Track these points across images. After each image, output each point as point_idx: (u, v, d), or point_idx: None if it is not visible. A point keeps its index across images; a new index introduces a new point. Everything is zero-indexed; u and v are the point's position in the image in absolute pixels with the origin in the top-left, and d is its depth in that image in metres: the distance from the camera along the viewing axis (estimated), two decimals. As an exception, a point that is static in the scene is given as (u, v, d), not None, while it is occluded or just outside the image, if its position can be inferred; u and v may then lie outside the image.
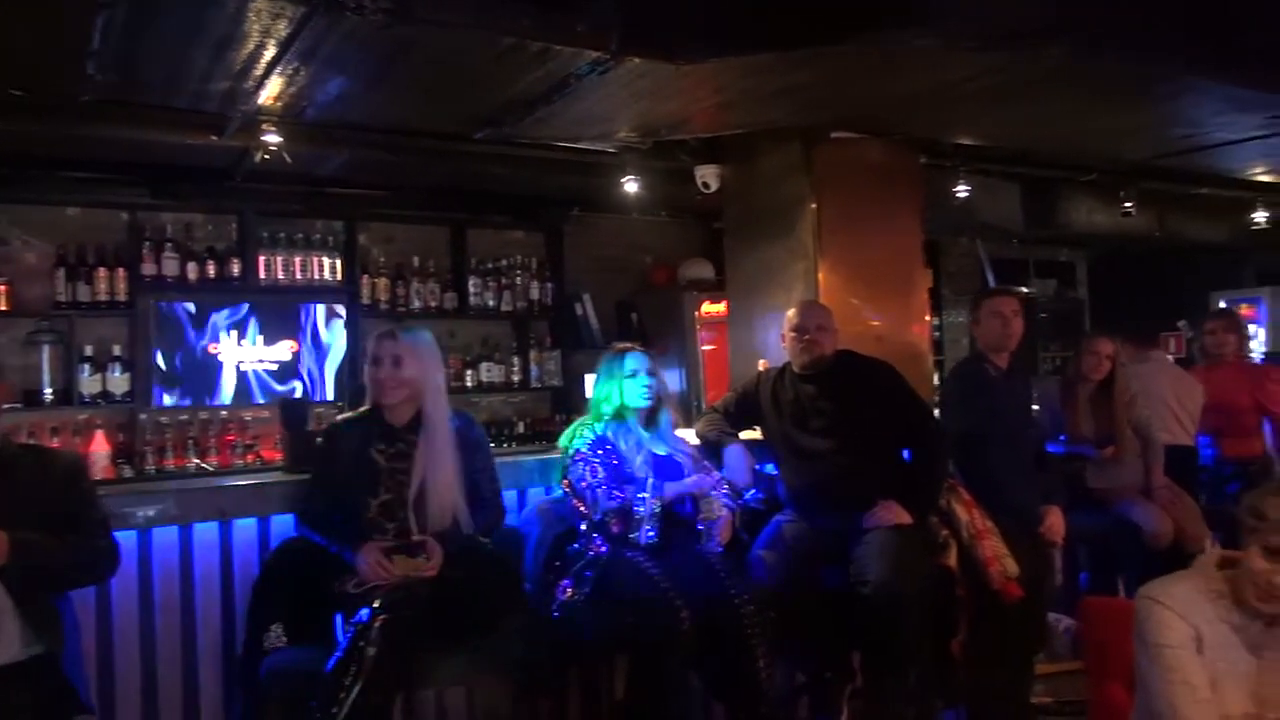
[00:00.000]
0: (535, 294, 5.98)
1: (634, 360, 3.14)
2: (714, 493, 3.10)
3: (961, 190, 5.18)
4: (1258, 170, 5.64)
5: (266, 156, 3.82)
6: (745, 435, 3.47)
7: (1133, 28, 2.70)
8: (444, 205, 5.66)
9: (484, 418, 5.84)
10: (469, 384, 5.74)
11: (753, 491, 3.39)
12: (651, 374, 3.14)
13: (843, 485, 3.18)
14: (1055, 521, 3.43)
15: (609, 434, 3.10)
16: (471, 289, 5.78)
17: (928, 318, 4.83)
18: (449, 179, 5.25)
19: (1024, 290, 7.78)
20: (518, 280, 5.94)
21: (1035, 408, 4.16)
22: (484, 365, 5.81)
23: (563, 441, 3.18)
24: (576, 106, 3.55)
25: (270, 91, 3.35)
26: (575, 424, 3.20)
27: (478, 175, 4.91)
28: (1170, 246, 7.34)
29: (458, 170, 4.81)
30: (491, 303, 5.85)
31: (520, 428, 5.89)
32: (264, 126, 3.70)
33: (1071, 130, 4.40)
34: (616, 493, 2.98)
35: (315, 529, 2.71)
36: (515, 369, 5.90)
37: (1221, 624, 1.80)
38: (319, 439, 2.95)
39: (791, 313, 3.40)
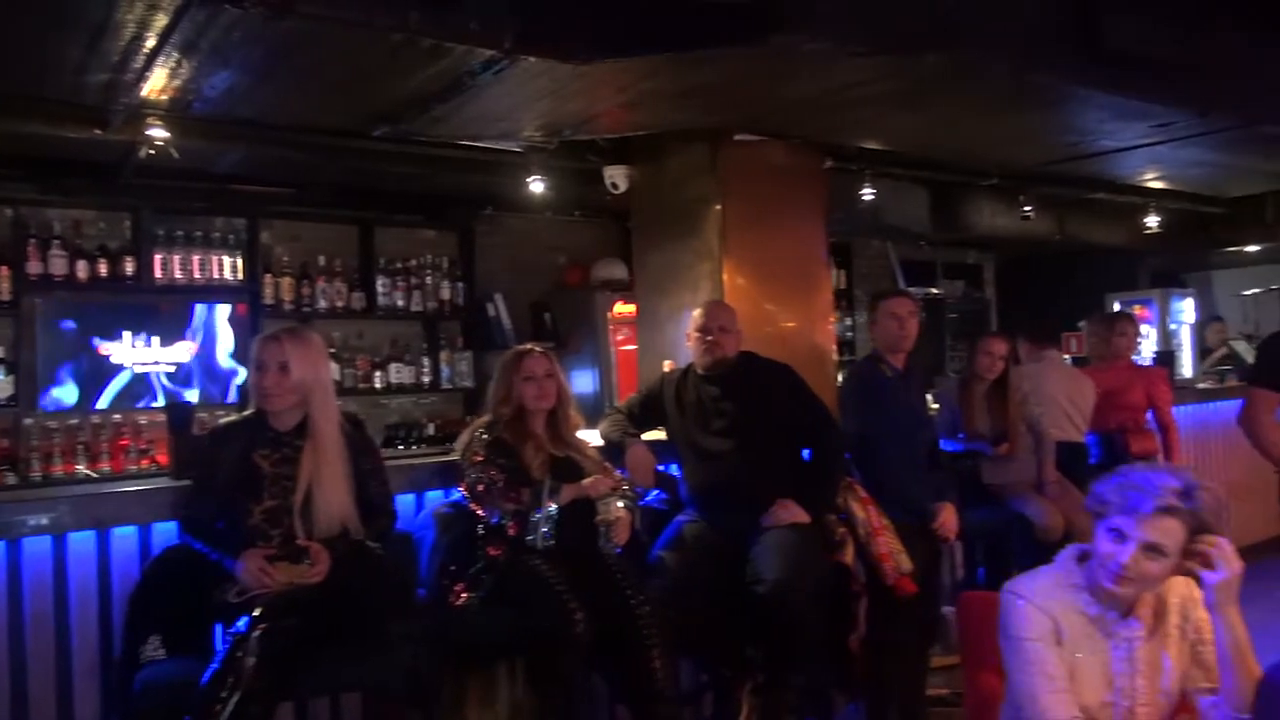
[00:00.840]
0: (446, 294, 5.90)
1: (533, 361, 3.11)
2: (613, 494, 3.09)
3: (867, 193, 5.27)
4: (1148, 176, 5.86)
5: (153, 151, 3.68)
6: (649, 436, 3.47)
7: (1006, 36, 2.78)
8: (351, 203, 5.55)
9: (394, 419, 5.75)
10: (378, 385, 5.64)
11: (655, 492, 3.40)
12: (549, 375, 3.11)
13: (743, 485, 3.22)
14: (948, 518, 3.51)
15: (507, 436, 3.07)
16: (380, 289, 5.67)
17: (832, 318, 4.91)
18: (355, 177, 5.13)
19: (934, 290, 7.98)
20: (428, 280, 5.85)
21: (935, 406, 4.27)
22: (393, 366, 5.71)
23: (460, 444, 3.14)
24: (475, 105, 3.51)
25: (154, 84, 3.24)
26: (473, 426, 3.16)
27: (382, 173, 4.82)
28: (1071, 249, 7.61)
29: (361, 168, 4.71)
30: (401, 303, 5.75)
31: (430, 429, 5.80)
32: (150, 120, 3.57)
33: (967, 135, 4.52)
34: (513, 495, 2.94)
35: (197, 536, 2.62)
36: (426, 370, 5.80)
37: (1079, 615, 1.86)
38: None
39: (697, 313, 3.42)
